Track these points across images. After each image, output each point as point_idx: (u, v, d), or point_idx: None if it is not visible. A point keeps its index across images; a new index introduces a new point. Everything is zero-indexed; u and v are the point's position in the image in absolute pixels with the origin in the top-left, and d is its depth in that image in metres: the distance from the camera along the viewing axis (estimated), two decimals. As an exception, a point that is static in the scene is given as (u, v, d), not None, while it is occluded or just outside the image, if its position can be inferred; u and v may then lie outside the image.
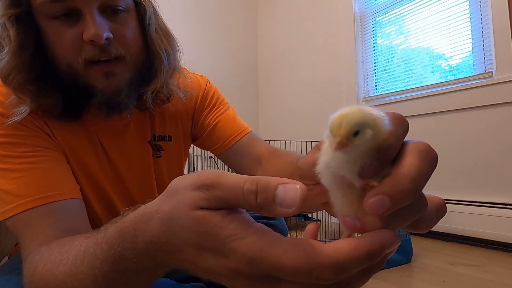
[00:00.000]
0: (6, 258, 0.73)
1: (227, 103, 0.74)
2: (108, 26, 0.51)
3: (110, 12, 0.52)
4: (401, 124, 0.23)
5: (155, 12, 0.60)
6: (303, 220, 2.03)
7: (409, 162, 0.21)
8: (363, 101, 2.25)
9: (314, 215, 1.98)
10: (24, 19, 0.50)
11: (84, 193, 0.55)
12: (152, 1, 0.60)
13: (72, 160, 0.56)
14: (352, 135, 0.21)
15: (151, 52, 0.58)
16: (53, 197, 0.47)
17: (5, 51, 0.48)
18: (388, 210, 0.20)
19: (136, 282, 0.30)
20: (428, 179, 0.21)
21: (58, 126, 0.55)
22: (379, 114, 0.22)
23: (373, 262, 0.20)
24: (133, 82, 0.55)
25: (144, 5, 0.56)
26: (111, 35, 0.51)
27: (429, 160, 0.22)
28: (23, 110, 0.50)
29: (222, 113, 0.70)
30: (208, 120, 0.69)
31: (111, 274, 0.29)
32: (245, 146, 0.67)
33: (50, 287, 0.35)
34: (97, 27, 0.48)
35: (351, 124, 0.21)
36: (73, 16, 0.49)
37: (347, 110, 0.22)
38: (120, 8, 0.52)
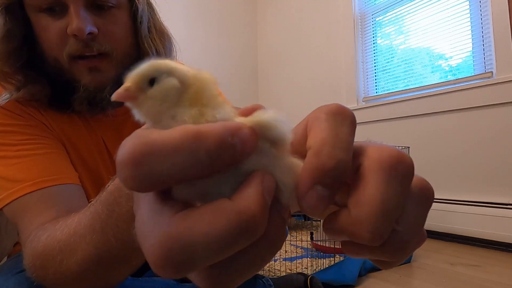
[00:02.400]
0: (5, 259, 0.73)
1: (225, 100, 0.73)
2: (93, 21, 0.51)
3: (97, 7, 0.52)
4: (340, 115, 0.18)
5: (151, 10, 0.60)
6: (303, 220, 2.03)
7: (367, 193, 0.16)
8: (363, 101, 2.25)
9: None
10: (15, 10, 0.50)
11: (83, 185, 0.55)
12: (149, 0, 0.60)
13: (72, 152, 0.56)
14: (145, 82, 0.16)
15: (141, 50, 0.58)
16: (51, 181, 0.48)
17: None
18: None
19: (127, 233, 0.30)
20: (400, 207, 0.16)
21: (56, 117, 0.56)
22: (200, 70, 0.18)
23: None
24: (119, 80, 0.55)
25: (136, 3, 0.55)
26: (96, 30, 0.51)
27: (400, 180, 0.16)
28: (6, 97, 0.51)
29: None
30: None
31: (107, 218, 0.30)
32: None
33: (53, 251, 0.35)
34: (80, 21, 0.48)
35: (148, 68, 0.16)
36: (59, 10, 0.50)
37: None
38: (110, 4, 0.52)
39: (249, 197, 0.14)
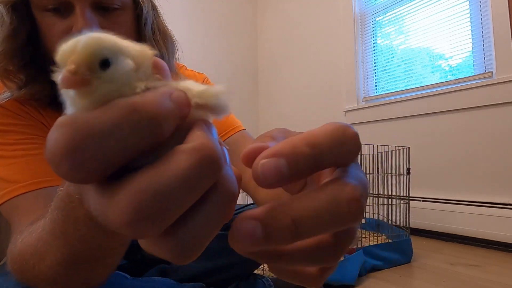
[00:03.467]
0: (5, 259, 0.73)
1: None
2: (98, 22, 0.51)
3: (103, 8, 0.52)
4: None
5: (155, 12, 0.60)
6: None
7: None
8: (363, 101, 2.25)
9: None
10: (20, 8, 0.50)
11: None
12: (153, 1, 0.60)
13: None
14: (96, 64, 0.14)
15: None
16: (46, 183, 0.47)
17: None
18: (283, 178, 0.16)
19: (89, 235, 0.28)
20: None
21: (55, 117, 0.56)
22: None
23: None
24: None
25: (141, 4, 0.56)
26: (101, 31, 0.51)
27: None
28: (6, 96, 0.51)
29: None
30: None
31: (64, 223, 0.29)
32: (234, 144, 0.65)
33: (26, 257, 0.34)
34: (86, 21, 0.49)
35: (95, 47, 0.14)
36: (65, 9, 0.50)
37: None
38: (115, 6, 0.52)
39: (199, 136, 0.15)
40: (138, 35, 0.58)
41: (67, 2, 0.49)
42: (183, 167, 0.13)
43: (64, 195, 0.28)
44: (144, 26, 0.57)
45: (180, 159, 0.14)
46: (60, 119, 0.14)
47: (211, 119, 0.18)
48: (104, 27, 0.52)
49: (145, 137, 0.14)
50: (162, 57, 0.59)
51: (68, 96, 0.15)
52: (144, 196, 0.13)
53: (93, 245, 0.29)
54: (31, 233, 0.35)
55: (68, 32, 0.50)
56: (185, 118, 0.16)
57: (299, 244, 0.18)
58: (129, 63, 0.15)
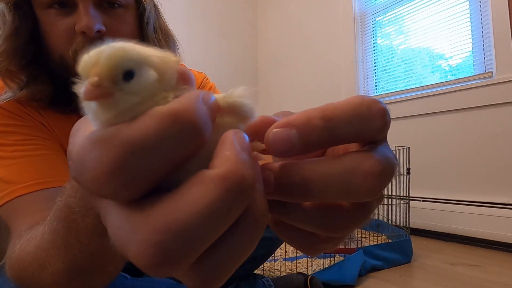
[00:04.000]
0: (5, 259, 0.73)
1: None
2: (102, 20, 0.51)
3: (106, 6, 0.52)
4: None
5: (156, 11, 0.60)
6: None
7: None
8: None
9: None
10: (23, 6, 0.50)
11: None
12: (155, 1, 0.60)
13: None
14: (120, 76, 0.14)
15: None
16: (45, 184, 0.47)
17: None
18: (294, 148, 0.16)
19: (92, 246, 0.28)
20: None
21: (56, 118, 0.56)
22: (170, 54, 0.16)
23: None
24: None
25: (143, 3, 0.56)
26: (104, 28, 0.51)
27: None
28: (8, 96, 0.51)
29: None
30: None
31: (66, 235, 0.28)
32: None
33: (24, 264, 0.34)
34: (89, 18, 0.49)
35: (119, 58, 0.14)
36: (68, 6, 0.50)
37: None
38: (117, 3, 0.52)
39: (228, 159, 0.13)
40: (141, 34, 0.58)
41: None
42: (209, 201, 0.12)
43: (63, 206, 0.27)
44: (147, 25, 0.57)
45: (206, 190, 0.12)
46: (94, 135, 0.13)
47: (241, 127, 0.17)
48: (107, 25, 0.51)
49: (189, 147, 0.13)
50: None
51: (90, 108, 0.14)
52: (165, 235, 0.12)
53: (95, 255, 0.29)
54: (29, 240, 0.35)
55: (71, 30, 0.50)
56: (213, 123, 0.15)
57: (313, 204, 0.17)
58: (152, 74, 0.15)
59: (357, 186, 0.16)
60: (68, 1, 0.49)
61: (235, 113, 0.17)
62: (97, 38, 0.50)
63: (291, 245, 0.20)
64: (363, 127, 0.16)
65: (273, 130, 0.16)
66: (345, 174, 0.16)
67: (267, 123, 0.17)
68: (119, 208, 0.13)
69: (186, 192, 0.13)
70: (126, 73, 0.14)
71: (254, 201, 0.14)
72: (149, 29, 0.57)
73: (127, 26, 0.55)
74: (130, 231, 0.12)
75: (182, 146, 0.13)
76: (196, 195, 0.12)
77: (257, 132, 0.17)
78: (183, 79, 0.16)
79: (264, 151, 0.18)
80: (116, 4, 0.52)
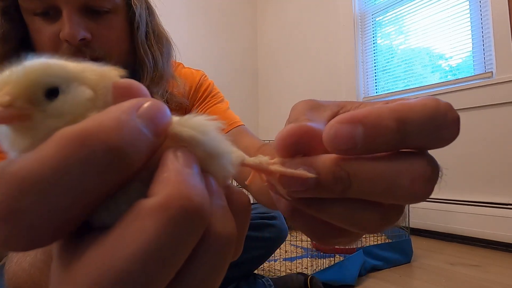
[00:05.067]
0: (6, 259, 0.73)
1: (221, 96, 0.71)
2: (87, 27, 0.50)
3: (92, 12, 0.51)
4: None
5: (150, 14, 0.59)
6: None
7: None
8: (363, 101, 2.25)
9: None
10: (11, 12, 0.50)
11: None
12: (149, 3, 0.59)
13: None
14: (40, 94, 0.12)
15: (137, 56, 0.57)
16: None
17: None
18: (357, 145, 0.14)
19: None
20: None
21: None
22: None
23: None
24: None
25: (133, 8, 0.55)
26: (89, 35, 0.50)
27: None
28: None
29: (211, 106, 0.67)
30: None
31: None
32: (231, 140, 0.62)
33: (20, 281, 0.34)
34: (72, 27, 0.48)
35: (37, 74, 0.11)
36: (53, 14, 0.49)
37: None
38: (105, 9, 0.52)
39: (167, 182, 0.11)
40: (131, 40, 0.57)
41: (54, 6, 0.48)
42: (148, 239, 0.10)
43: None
44: (137, 30, 0.56)
45: (143, 226, 0.10)
46: None
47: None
48: (93, 32, 0.51)
49: (111, 175, 0.10)
50: (155, 61, 0.57)
51: (4, 135, 0.12)
52: (105, 284, 0.10)
53: None
54: (25, 255, 0.35)
55: (56, 37, 0.49)
56: (163, 136, 0.12)
57: (350, 200, 0.16)
58: (83, 91, 0.12)
59: (403, 189, 0.14)
60: (53, 8, 0.49)
61: (191, 146, 0.13)
62: (82, 45, 0.50)
63: (306, 234, 0.19)
64: (436, 135, 0.15)
65: (336, 125, 0.14)
66: (393, 175, 0.14)
67: (293, 135, 0.16)
68: (58, 248, 0.11)
69: (121, 231, 0.10)
70: (49, 91, 0.12)
71: (213, 223, 0.12)
72: (139, 33, 0.56)
73: (115, 31, 0.54)
74: (61, 283, 0.10)
75: (99, 175, 0.10)
76: (132, 233, 0.10)
77: (284, 151, 0.16)
78: (122, 94, 0.13)
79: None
80: (103, 10, 0.51)
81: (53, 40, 0.50)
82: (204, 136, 0.13)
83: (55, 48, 0.50)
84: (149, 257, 0.10)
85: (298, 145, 0.16)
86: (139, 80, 0.56)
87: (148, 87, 0.56)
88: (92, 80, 0.13)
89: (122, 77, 0.14)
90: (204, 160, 0.13)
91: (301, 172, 0.15)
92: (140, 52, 0.56)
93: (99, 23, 0.52)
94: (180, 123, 0.13)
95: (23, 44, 0.52)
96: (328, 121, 0.15)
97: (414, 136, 0.14)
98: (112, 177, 0.11)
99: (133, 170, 0.11)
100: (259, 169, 0.17)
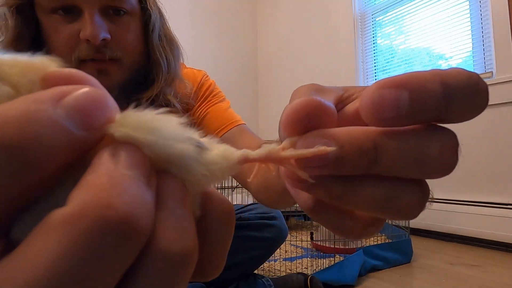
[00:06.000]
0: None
1: (222, 96, 0.71)
2: (107, 27, 0.51)
3: (111, 13, 0.52)
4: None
5: (161, 18, 0.60)
6: (303, 220, 2.03)
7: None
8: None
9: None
10: (25, 10, 0.50)
11: None
12: (160, 7, 0.60)
13: None
14: None
15: (151, 58, 0.58)
16: None
17: (1, 40, 0.49)
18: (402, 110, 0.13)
19: None
20: None
21: None
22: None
23: None
24: (126, 86, 0.55)
25: (149, 11, 0.56)
26: (109, 36, 0.51)
27: None
28: None
29: (212, 105, 0.68)
30: (198, 113, 0.67)
31: None
32: (232, 139, 0.62)
33: None
34: (94, 27, 0.48)
35: None
36: (72, 12, 0.50)
37: None
38: (123, 10, 0.52)
39: (88, 187, 0.09)
40: (146, 41, 0.58)
41: (75, 5, 0.49)
42: (51, 256, 0.08)
43: None
44: (152, 33, 0.57)
45: (47, 241, 0.08)
46: None
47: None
48: (112, 33, 0.51)
49: (10, 181, 0.09)
50: (168, 63, 0.57)
51: None
52: None
53: None
54: None
55: (75, 37, 0.50)
56: (98, 131, 0.10)
57: (377, 181, 0.14)
58: (4, 90, 0.10)
59: (433, 160, 0.13)
60: (74, 7, 0.49)
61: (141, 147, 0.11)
62: (102, 46, 0.50)
63: (332, 230, 0.17)
64: (474, 102, 0.13)
65: (380, 90, 0.13)
66: (423, 145, 0.13)
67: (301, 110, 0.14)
68: None
69: (24, 248, 0.09)
70: None
71: (158, 237, 0.10)
72: (154, 36, 0.57)
73: (132, 33, 0.55)
74: None
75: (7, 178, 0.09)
76: (34, 251, 0.08)
77: (289, 128, 0.14)
78: (47, 82, 0.11)
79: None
80: (121, 12, 0.52)
81: (72, 39, 0.50)
82: (150, 135, 0.11)
83: (72, 47, 0.50)
84: (55, 279, 0.08)
85: (309, 121, 0.14)
86: (153, 82, 0.57)
87: (162, 88, 0.56)
88: (11, 75, 0.11)
89: (62, 67, 0.12)
90: (162, 162, 0.11)
91: (319, 149, 0.13)
92: (155, 54, 0.57)
93: (118, 24, 0.52)
94: (119, 120, 0.11)
95: (35, 43, 0.52)
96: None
97: (456, 102, 0.13)
98: (15, 181, 0.09)
99: (47, 172, 0.09)
100: (269, 159, 0.15)
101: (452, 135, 0.14)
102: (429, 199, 0.15)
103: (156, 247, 0.10)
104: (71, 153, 0.10)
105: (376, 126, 0.14)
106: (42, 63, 0.12)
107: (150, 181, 0.11)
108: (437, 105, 0.13)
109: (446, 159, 0.14)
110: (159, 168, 0.12)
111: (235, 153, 0.15)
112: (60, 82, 0.11)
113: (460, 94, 0.13)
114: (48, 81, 0.11)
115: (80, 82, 0.11)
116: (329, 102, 0.15)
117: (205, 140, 0.14)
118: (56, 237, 0.08)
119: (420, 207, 0.15)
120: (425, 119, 0.13)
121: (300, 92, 0.18)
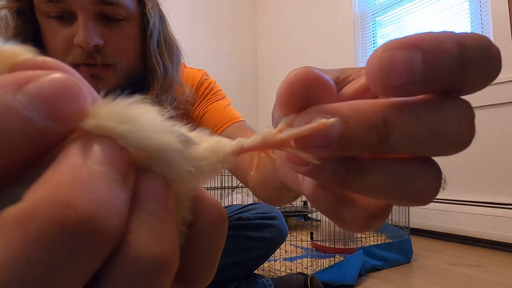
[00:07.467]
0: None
1: (222, 94, 0.71)
2: (100, 33, 0.51)
3: (107, 19, 0.52)
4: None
5: (162, 22, 0.60)
6: (303, 220, 2.03)
7: None
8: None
9: (314, 215, 1.98)
10: (26, 13, 0.51)
11: None
12: (161, 10, 0.60)
13: None
14: None
15: (148, 64, 0.58)
16: None
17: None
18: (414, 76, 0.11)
19: None
20: None
21: None
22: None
23: None
24: (121, 91, 0.54)
25: (148, 16, 0.56)
26: (102, 42, 0.51)
27: None
28: None
29: (212, 103, 0.67)
30: (197, 112, 0.67)
31: None
32: (231, 136, 0.61)
33: None
34: (87, 33, 0.49)
35: None
36: (68, 18, 0.50)
37: None
38: (119, 17, 0.53)
39: (45, 183, 0.08)
40: (143, 46, 0.58)
41: (70, 11, 0.49)
42: (3, 260, 0.07)
43: None
44: (150, 38, 0.57)
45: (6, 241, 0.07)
46: None
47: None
48: (106, 38, 0.52)
49: None
50: (165, 70, 0.57)
51: None
52: None
53: None
54: None
55: (69, 41, 0.50)
56: (67, 121, 0.09)
57: (388, 161, 0.13)
58: None
59: (450, 132, 0.12)
60: (69, 12, 0.50)
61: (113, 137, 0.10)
62: (94, 51, 0.51)
63: (337, 223, 0.16)
64: (488, 67, 0.12)
65: (391, 51, 0.11)
66: (439, 117, 0.12)
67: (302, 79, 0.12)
68: None
69: None
70: None
71: (131, 241, 0.09)
72: (151, 41, 0.57)
73: (127, 39, 0.55)
74: None
75: None
76: None
77: (286, 102, 0.13)
78: (16, 69, 0.10)
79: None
80: (117, 17, 0.52)
81: (66, 43, 0.51)
82: (124, 124, 0.10)
83: (67, 50, 0.51)
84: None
85: (308, 96, 0.13)
86: (148, 88, 0.57)
87: (157, 95, 0.56)
88: None
89: (37, 55, 0.11)
90: (143, 158, 0.10)
91: (319, 122, 0.12)
92: (151, 60, 0.57)
93: (113, 30, 0.53)
94: (92, 112, 0.10)
95: (35, 45, 0.52)
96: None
97: (472, 65, 0.12)
98: None
99: (4, 165, 0.08)
100: (265, 145, 0.14)
101: (468, 105, 0.13)
102: (443, 182, 0.14)
103: (126, 253, 0.09)
104: (33, 146, 0.09)
105: (383, 96, 0.12)
106: (13, 51, 0.10)
107: (127, 179, 0.10)
108: (452, 69, 0.11)
109: (464, 132, 0.12)
110: (141, 165, 0.10)
111: (229, 144, 0.14)
112: (21, 67, 0.10)
113: (476, 57, 0.12)
114: (18, 70, 0.10)
115: (54, 69, 0.10)
116: (327, 76, 0.13)
117: (193, 135, 0.13)
118: (4, 238, 0.07)
119: (435, 191, 0.13)
120: (439, 87, 0.12)
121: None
